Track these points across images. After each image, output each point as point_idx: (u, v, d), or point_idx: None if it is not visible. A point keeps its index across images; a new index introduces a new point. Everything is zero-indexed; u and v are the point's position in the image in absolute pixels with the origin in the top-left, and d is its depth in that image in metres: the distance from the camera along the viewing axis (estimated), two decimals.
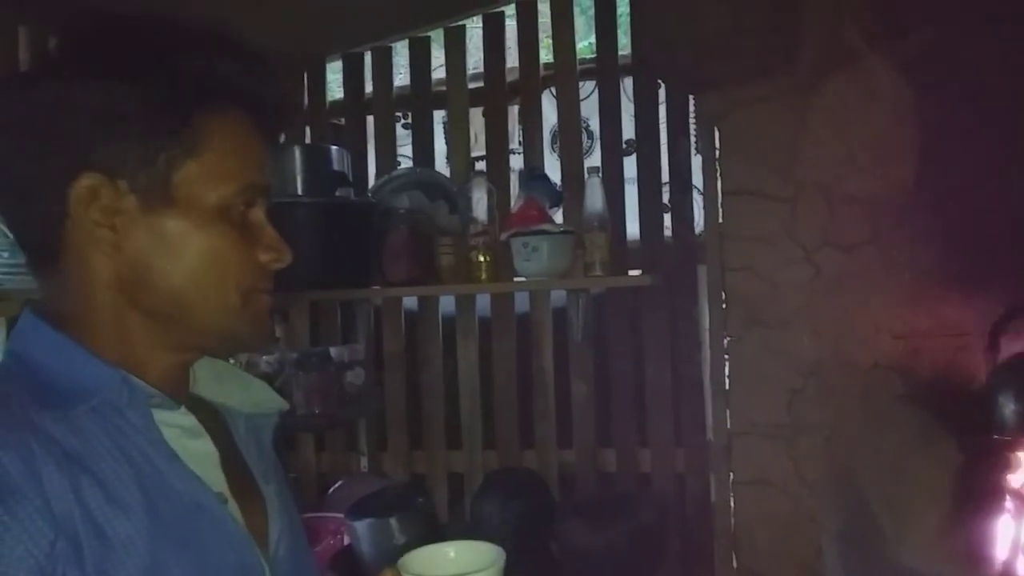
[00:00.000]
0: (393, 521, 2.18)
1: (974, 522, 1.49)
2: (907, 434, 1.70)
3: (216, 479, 0.80)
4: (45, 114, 0.75)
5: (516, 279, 2.37)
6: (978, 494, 1.51)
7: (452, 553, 0.81)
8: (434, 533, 2.25)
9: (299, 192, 2.40)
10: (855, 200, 2.18)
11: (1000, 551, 1.46)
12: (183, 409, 0.81)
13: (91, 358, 0.77)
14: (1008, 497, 1.55)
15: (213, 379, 0.88)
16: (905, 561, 1.53)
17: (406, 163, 2.83)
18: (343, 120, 2.87)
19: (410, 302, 2.73)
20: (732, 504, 2.33)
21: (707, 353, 2.46)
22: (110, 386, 0.75)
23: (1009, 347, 1.82)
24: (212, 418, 0.86)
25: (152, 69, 0.75)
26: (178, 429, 0.79)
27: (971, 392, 1.83)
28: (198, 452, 0.80)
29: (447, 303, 2.69)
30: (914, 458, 1.60)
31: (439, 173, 2.68)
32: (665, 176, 2.54)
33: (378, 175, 2.71)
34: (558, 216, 2.51)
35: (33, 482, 0.68)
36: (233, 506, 0.80)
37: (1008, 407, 1.66)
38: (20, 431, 0.70)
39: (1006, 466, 1.58)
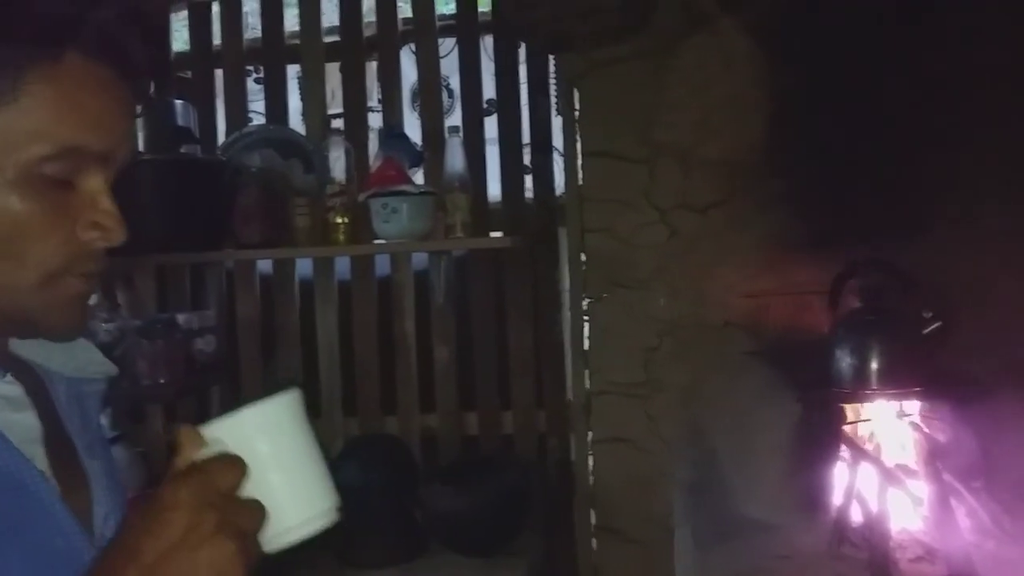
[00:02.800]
0: None
1: (812, 472, 1.55)
2: (754, 389, 1.76)
3: (39, 456, 0.73)
4: None
5: (376, 241, 2.31)
6: (817, 445, 1.57)
7: (248, 408, 0.71)
8: None
9: (140, 149, 2.26)
10: (709, 162, 2.23)
11: (835, 499, 1.53)
12: (9, 377, 0.73)
13: None
14: (844, 446, 1.62)
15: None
16: (748, 511, 1.58)
17: (258, 120, 2.70)
18: (188, 73, 2.71)
19: (264, 266, 2.62)
20: (591, 463, 2.37)
21: (567, 315, 2.48)
22: None
23: (849, 304, 1.91)
24: (32, 383, 0.77)
25: None
26: (1, 400, 0.72)
27: (813, 347, 1.91)
28: (20, 425, 0.72)
29: (304, 266, 2.60)
30: (759, 412, 1.66)
31: (293, 131, 2.57)
32: (526, 137, 2.52)
33: (228, 132, 2.58)
34: (418, 177, 2.46)
35: None
36: (55, 485, 0.73)
37: (845, 361, 1.74)
38: None
39: (843, 417, 1.65)
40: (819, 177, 2.12)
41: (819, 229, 2.11)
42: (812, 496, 1.54)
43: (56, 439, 0.76)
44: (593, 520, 2.36)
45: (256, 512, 0.66)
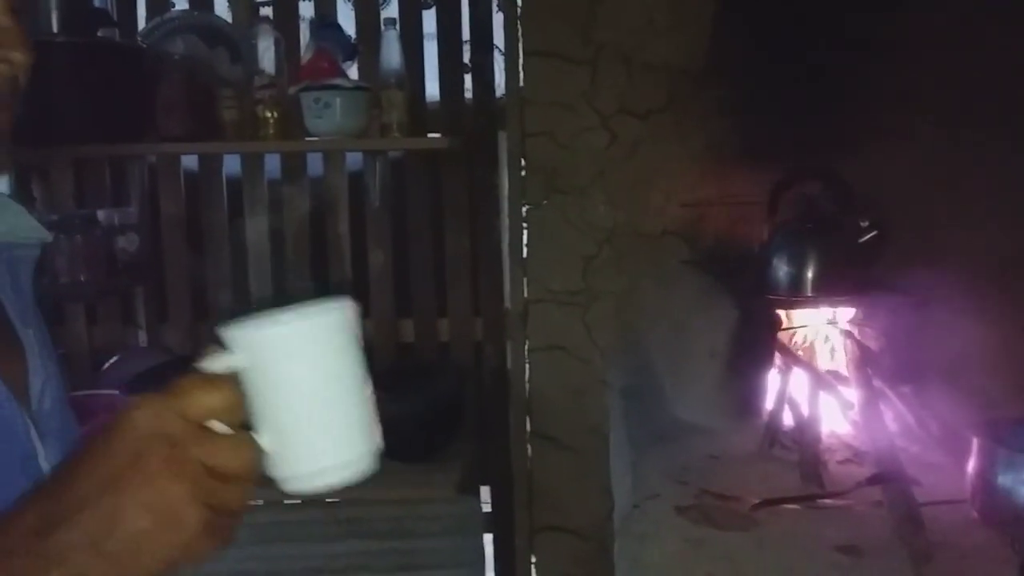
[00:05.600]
0: None
1: (746, 377, 1.56)
2: (690, 297, 1.75)
3: None
4: None
5: (307, 138, 2.21)
6: (751, 351, 1.58)
7: (291, 314, 0.58)
8: None
9: (54, 31, 2.10)
10: (652, 67, 2.18)
11: (768, 403, 1.55)
12: None
13: None
14: (777, 353, 1.63)
15: None
16: (682, 415, 1.59)
17: (181, 5, 2.53)
18: None
19: (190, 162, 2.50)
20: (527, 371, 2.36)
21: (506, 221, 2.43)
22: None
23: (786, 213, 1.90)
24: None
25: None
26: None
27: (750, 257, 1.91)
28: None
29: (232, 164, 2.49)
30: (695, 319, 1.65)
31: (219, 17, 2.42)
32: (466, 34, 2.42)
33: (148, 17, 2.42)
34: (352, 72, 2.35)
35: None
36: None
37: (781, 269, 1.74)
38: None
39: (777, 324, 1.66)
40: (761, 87, 2.09)
41: (759, 139, 2.09)
42: (746, 401, 1.55)
43: None
44: (528, 428, 2.37)
45: (239, 450, 0.54)
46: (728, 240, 2.14)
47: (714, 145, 2.16)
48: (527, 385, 2.37)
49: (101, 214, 2.22)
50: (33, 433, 0.71)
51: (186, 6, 2.47)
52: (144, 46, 2.28)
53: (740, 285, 1.71)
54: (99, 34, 2.15)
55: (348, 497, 2.19)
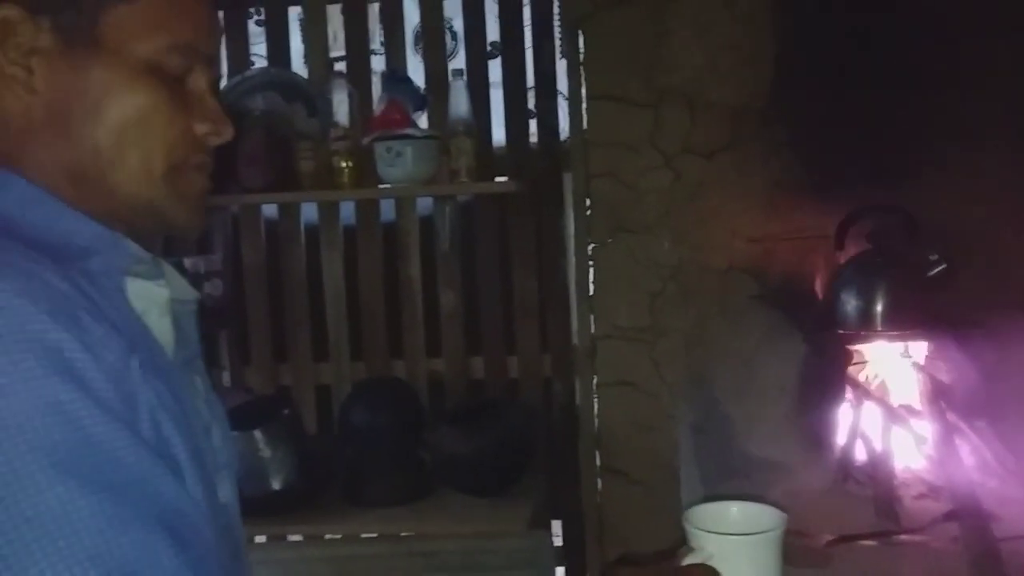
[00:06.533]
0: (258, 434, 2.14)
1: (817, 411, 1.58)
2: (758, 332, 1.77)
3: None
4: None
5: (380, 185, 2.31)
6: (821, 385, 1.59)
7: (735, 510, 0.86)
8: (301, 445, 2.22)
9: None
10: (715, 106, 2.22)
11: (840, 438, 1.56)
12: (163, 281, 0.75)
13: (77, 214, 0.70)
14: (848, 387, 1.64)
15: None
16: (753, 450, 1.61)
17: (260, 63, 2.67)
18: None
19: (270, 210, 2.62)
20: (596, 406, 2.40)
21: (572, 259, 2.48)
22: (103, 246, 0.69)
23: (853, 248, 1.91)
24: None
25: None
26: (148, 303, 0.73)
27: (817, 292, 1.92)
28: (160, 330, 0.74)
29: (309, 212, 2.60)
30: (763, 354, 1.67)
31: (296, 73, 2.55)
32: (530, 80, 2.50)
33: (230, 75, 2.56)
34: (422, 121, 2.44)
35: (94, 305, 0.64)
36: None
37: (850, 303, 1.75)
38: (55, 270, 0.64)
39: (847, 359, 1.67)
40: (825, 121, 2.11)
41: (824, 174, 2.10)
42: (816, 435, 1.57)
43: None
44: (598, 462, 2.40)
45: None
46: (795, 275, 2.15)
47: (778, 181, 2.19)
48: (596, 420, 2.40)
49: (188, 261, 2.34)
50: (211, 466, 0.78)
51: (265, 64, 2.60)
52: (226, 103, 2.41)
53: (808, 320, 1.73)
54: None
55: (422, 531, 2.24)
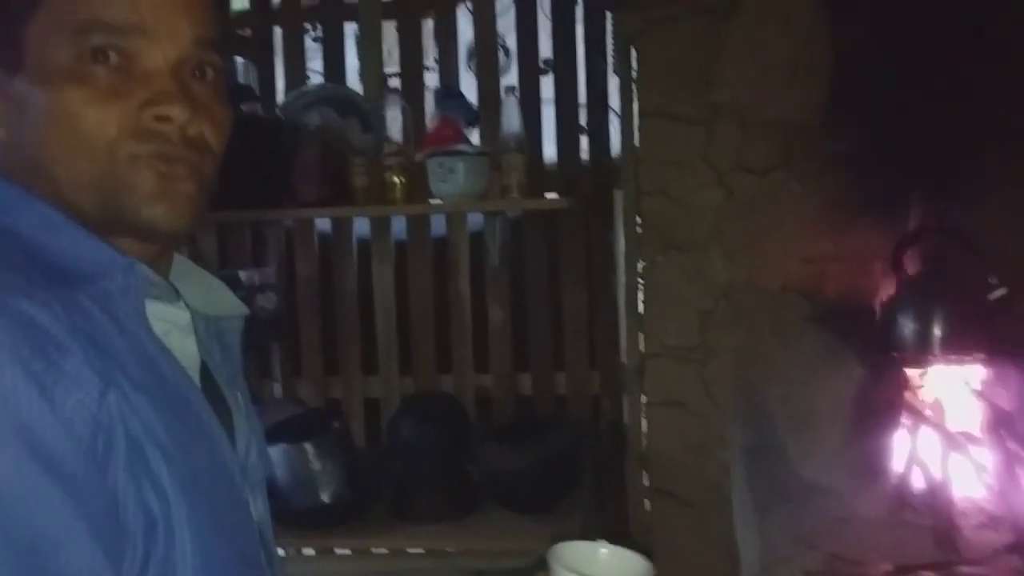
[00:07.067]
0: (308, 446, 2.16)
1: (873, 437, 1.55)
2: (812, 354, 1.75)
3: (195, 382, 0.76)
4: None
5: (432, 201, 2.32)
6: (877, 410, 1.56)
7: (604, 552, 0.84)
8: (350, 458, 2.24)
9: None
10: (768, 123, 2.19)
11: (897, 464, 1.52)
12: (181, 304, 0.75)
13: (91, 238, 0.70)
14: (905, 412, 1.61)
15: (176, 274, 0.81)
16: (807, 474, 1.58)
17: (316, 78, 2.72)
18: (248, 31, 2.73)
19: (323, 224, 2.65)
20: (644, 425, 2.38)
21: (622, 277, 2.47)
22: (115, 270, 0.69)
23: (910, 269, 1.88)
24: None
25: None
26: (169, 324, 0.74)
27: (873, 313, 1.89)
28: (185, 351, 0.75)
29: (361, 225, 2.63)
30: (818, 376, 1.65)
31: (351, 89, 2.58)
32: (582, 97, 2.50)
33: (287, 90, 2.60)
34: (474, 137, 2.46)
35: (73, 336, 0.63)
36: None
37: (908, 326, 1.72)
38: (45, 292, 0.64)
39: (904, 383, 1.64)
40: (880, 139, 2.07)
41: (880, 192, 2.07)
42: (873, 461, 1.53)
43: (203, 370, 0.79)
44: (646, 482, 2.38)
45: None
46: (850, 296, 2.11)
47: (833, 200, 2.15)
48: (644, 439, 2.38)
49: (243, 274, 2.38)
50: (244, 484, 0.79)
51: (321, 79, 2.64)
52: (283, 118, 2.45)
53: (864, 342, 1.70)
54: (243, 108, 2.32)
55: (468, 547, 2.25)
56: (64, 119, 0.69)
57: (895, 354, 1.72)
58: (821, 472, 1.57)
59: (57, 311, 0.63)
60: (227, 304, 0.84)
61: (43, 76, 0.69)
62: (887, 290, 1.81)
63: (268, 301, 2.41)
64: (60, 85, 0.69)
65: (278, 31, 2.70)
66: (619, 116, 2.37)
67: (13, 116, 0.71)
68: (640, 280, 2.35)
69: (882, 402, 1.57)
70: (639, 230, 2.32)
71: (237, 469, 0.78)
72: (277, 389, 2.73)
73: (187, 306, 0.78)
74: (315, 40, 2.77)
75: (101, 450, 0.63)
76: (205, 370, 0.80)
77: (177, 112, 0.70)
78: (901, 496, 1.44)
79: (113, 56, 0.69)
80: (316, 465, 2.17)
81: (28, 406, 0.60)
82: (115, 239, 0.72)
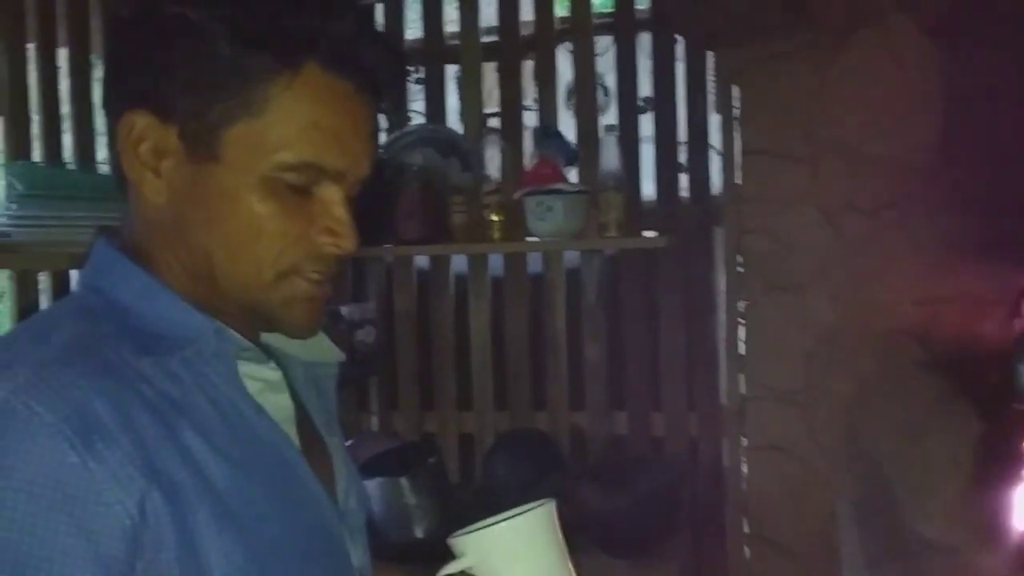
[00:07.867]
0: (404, 480, 2.18)
1: (993, 492, 1.46)
2: (926, 402, 1.67)
3: (292, 434, 0.78)
4: (121, 39, 0.74)
5: (529, 239, 2.33)
6: (998, 464, 1.48)
7: (503, 522, 0.78)
8: (445, 494, 2.25)
9: None
10: (877, 162, 2.13)
11: (1019, 522, 1.44)
12: (272, 364, 0.78)
13: (184, 305, 0.74)
14: None
15: None
16: (923, 531, 1.51)
17: (418, 119, 2.77)
18: None
19: (422, 261, 2.70)
20: (745, 470, 2.31)
21: (722, 317, 2.43)
22: (205, 336, 0.73)
23: None
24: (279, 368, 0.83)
25: (225, 13, 0.70)
26: (261, 383, 0.77)
27: (992, 360, 1.79)
28: (279, 407, 0.77)
29: (459, 262, 2.66)
30: (933, 426, 1.57)
31: (452, 130, 2.63)
32: (682, 135, 2.48)
33: (390, 131, 2.67)
34: (573, 175, 2.47)
35: (125, 428, 0.66)
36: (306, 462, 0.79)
37: None
38: (113, 377, 0.68)
39: None
40: (996, 177, 1.99)
41: (996, 233, 1.98)
42: (994, 518, 1.45)
43: (302, 418, 0.81)
44: (746, 529, 2.31)
45: None
46: (966, 342, 2.02)
47: (947, 240, 2.07)
48: (744, 484, 2.32)
49: (344, 309, 2.43)
50: (344, 532, 0.80)
51: (423, 120, 2.70)
52: (386, 158, 2.51)
53: (983, 390, 1.62)
54: None
55: None
56: (248, 221, 0.73)
57: (1017, 405, 1.63)
58: (936, 528, 1.50)
59: (116, 398, 0.67)
60: (324, 351, 0.86)
61: (236, 175, 0.72)
62: (1007, 337, 1.72)
63: (367, 335, 2.45)
64: (251, 189, 0.72)
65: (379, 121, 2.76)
66: (720, 154, 2.34)
67: (186, 193, 0.74)
68: (741, 320, 2.30)
69: (1004, 456, 1.49)
70: (740, 269, 2.28)
71: (336, 519, 0.80)
72: (374, 422, 2.76)
73: (284, 354, 0.82)
74: (417, 82, 2.83)
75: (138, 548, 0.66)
76: (303, 419, 0.82)
77: (350, 246, 0.75)
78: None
79: (306, 183, 0.73)
80: (411, 500, 2.18)
81: (70, 479, 0.64)
82: (224, 316, 0.76)
